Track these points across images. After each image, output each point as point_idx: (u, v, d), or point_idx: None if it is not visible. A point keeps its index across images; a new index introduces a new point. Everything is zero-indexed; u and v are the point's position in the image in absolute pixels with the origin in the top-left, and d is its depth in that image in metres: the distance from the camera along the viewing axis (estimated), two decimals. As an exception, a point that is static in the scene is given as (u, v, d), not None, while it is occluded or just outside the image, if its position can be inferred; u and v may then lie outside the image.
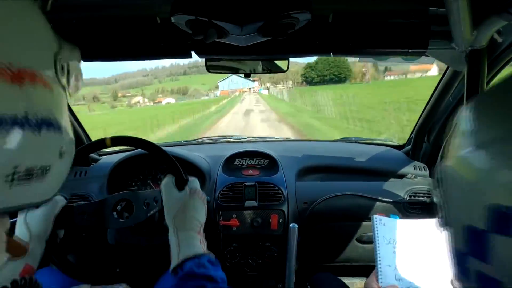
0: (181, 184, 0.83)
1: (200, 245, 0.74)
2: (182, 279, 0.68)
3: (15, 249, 0.40)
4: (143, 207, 0.91)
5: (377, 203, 1.37)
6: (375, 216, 0.89)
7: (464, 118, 0.34)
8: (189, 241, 0.74)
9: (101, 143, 0.90)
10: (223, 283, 0.70)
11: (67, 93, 0.45)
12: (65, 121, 0.43)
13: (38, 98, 0.36)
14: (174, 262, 0.72)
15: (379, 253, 0.84)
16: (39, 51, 0.39)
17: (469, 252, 0.32)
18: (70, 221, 0.87)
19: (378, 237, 0.86)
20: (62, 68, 0.43)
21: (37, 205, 0.40)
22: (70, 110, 1.43)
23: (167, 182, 0.84)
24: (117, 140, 0.90)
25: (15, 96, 0.33)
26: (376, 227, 0.87)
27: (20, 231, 0.77)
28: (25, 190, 0.35)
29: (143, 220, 0.90)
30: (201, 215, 0.80)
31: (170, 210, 0.79)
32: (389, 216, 0.90)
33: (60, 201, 0.87)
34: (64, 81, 0.43)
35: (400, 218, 0.90)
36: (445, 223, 0.37)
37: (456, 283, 0.36)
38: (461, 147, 0.33)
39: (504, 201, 0.28)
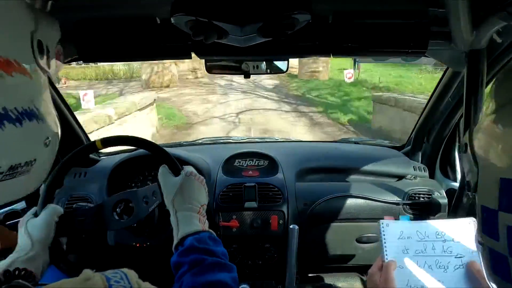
0: (176, 171, 0.83)
1: (199, 224, 0.74)
2: (183, 254, 0.68)
3: (5, 239, 0.38)
4: (143, 204, 0.90)
5: (377, 203, 1.37)
6: (381, 221, 0.87)
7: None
8: (187, 220, 0.74)
9: (92, 147, 0.89)
10: (224, 258, 0.69)
11: (48, 76, 0.40)
12: (48, 108, 0.38)
13: (16, 89, 0.32)
14: (175, 241, 0.72)
15: (386, 252, 0.81)
16: (12, 35, 0.33)
17: (500, 207, 0.33)
18: (71, 227, 0.87)
19: (385, 240, 0.83)
20: (41, 49, 0.38)
21: (22, 199, 0.38)
22: (66, 104, 1.43)
23: (162, 171, 0.84)
24: (108, 142, 0.89)
25: None
26: (383, 231, 0.84)
27: (22, 241, 0.75)
28: (10, 186, 0.33)
29: (145, 217, 0.90)
30: (200, 196, 0.80)
31: (168, 194, 0.79)
32: (398, 219, 0.86)
33: (59, 208, 0.85)
34: (43, 63, 0.38)
35: (411, 219, 0.86)
36: (474, 187, 0.38)
37: (483, 241, 0.37)
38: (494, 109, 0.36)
39: None
